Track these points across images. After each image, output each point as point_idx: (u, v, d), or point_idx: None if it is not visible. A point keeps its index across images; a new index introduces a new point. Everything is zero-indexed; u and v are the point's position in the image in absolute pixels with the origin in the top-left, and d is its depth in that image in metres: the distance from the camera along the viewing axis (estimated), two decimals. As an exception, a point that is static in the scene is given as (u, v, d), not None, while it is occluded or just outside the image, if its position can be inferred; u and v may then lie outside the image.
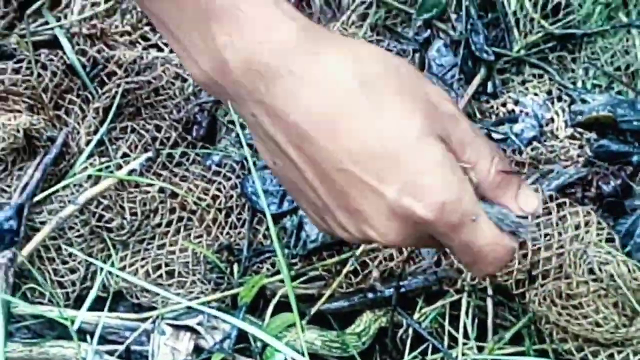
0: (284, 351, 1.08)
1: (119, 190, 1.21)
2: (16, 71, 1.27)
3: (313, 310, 1.16)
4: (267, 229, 1.21)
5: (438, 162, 0.81)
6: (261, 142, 0.87)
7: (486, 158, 0.85)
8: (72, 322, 1.14)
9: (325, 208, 0.86)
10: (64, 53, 1.29)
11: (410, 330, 1.13)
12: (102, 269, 1.18)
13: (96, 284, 1.18)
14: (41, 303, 1.19)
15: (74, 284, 1.20)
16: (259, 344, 1.13)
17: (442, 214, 0.82)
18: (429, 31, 1.32)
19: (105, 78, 1.29)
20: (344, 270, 1.17)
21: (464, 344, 1.11)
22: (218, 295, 1.17)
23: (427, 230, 0.84)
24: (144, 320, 1.16)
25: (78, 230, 1.20)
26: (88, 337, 1.16)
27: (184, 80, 1.31)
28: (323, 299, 1.16)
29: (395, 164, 0.81)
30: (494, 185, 0.85)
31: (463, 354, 1.10)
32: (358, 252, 1.17)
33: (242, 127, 1.25)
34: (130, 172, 1.20)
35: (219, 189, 1.22)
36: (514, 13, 1.30)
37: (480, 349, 1.10)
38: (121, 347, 1.16)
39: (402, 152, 0.81)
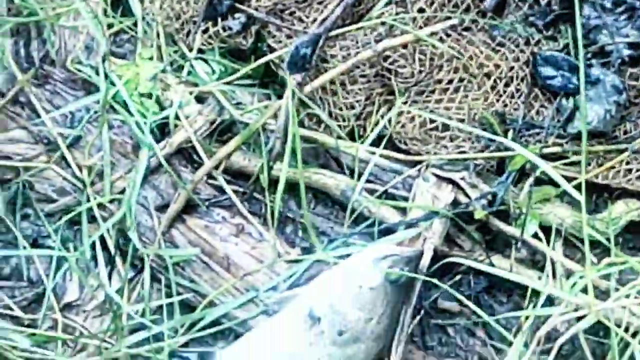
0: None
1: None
2: None
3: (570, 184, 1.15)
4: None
5: None
6: None
7: None
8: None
9: None
10: None
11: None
12: (378, 110, 1.24)
13: (372, 122, 1.25)
14: (316, 130, 1.27)
15: (349, 119, 1.26)
16: (517, 210, 1.18)
17: None
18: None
19: None
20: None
21: None
22: (486, 154, 1.22)
23: None
24: (413, 164, 1.23)
25: (363, 71, 1.26)
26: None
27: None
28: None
29: None
30: None
31: None
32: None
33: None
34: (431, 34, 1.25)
35: (501, 59, 1.25)
36: None
37: None
38: (382, 188, 1.23)
39: None
